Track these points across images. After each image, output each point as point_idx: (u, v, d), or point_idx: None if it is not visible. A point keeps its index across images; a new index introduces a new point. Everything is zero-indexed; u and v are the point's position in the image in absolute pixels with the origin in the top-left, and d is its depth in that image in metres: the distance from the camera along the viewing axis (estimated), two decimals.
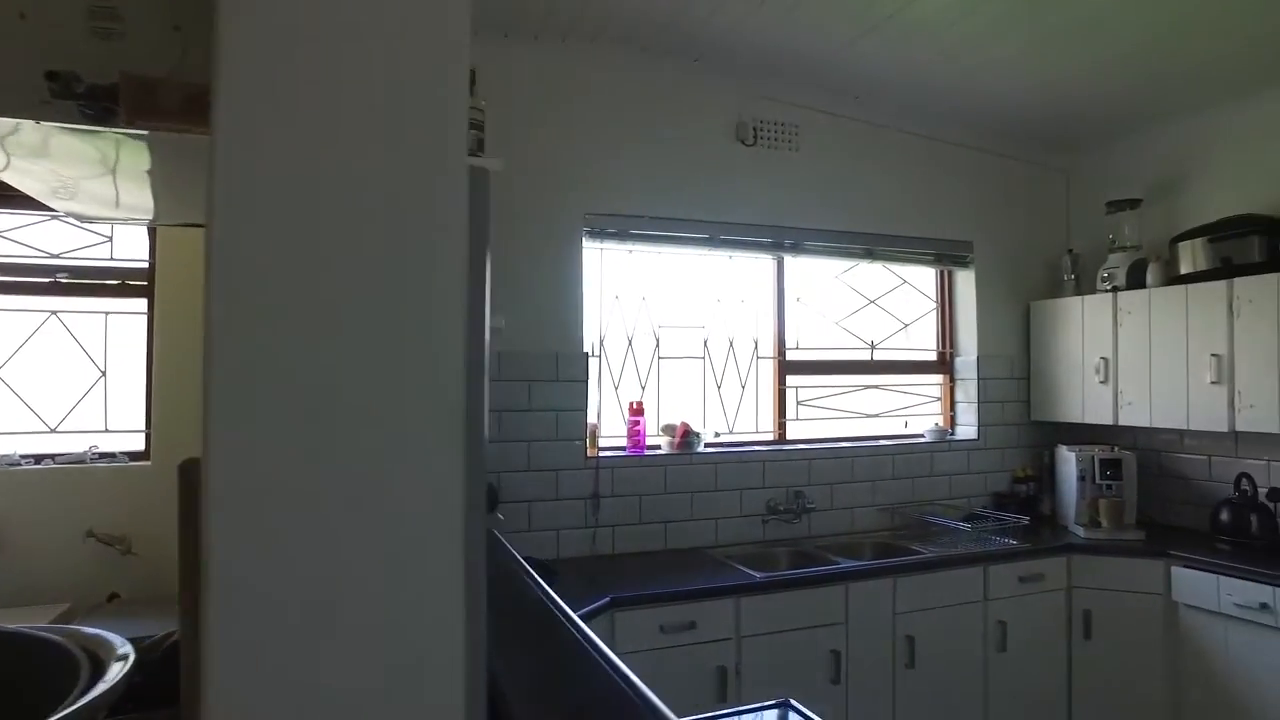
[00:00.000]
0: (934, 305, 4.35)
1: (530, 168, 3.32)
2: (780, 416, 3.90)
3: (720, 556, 3.36)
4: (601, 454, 3.46)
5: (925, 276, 4.33)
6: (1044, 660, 3.50)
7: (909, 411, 4.22)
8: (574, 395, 3.37)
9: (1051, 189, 4.48)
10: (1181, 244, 3.60)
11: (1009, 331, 4.30)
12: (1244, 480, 3.43)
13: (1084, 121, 4.08)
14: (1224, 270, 3.41)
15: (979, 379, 4.18)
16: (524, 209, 3.30)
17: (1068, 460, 3.86)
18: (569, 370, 3.37)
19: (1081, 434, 4.17)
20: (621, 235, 3.54)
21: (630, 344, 3.66)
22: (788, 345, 3.93)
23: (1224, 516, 3.44)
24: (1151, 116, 3.96)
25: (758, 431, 3.87)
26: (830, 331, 4.06)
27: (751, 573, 3.08)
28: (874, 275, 4.16)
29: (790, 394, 3.93)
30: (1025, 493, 4.15)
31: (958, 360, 4.29)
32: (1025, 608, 3.44)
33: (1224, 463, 3.71)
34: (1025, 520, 3.62)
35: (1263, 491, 3.41)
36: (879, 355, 4.16)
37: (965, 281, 4.26)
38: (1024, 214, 4.37)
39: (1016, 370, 4.30)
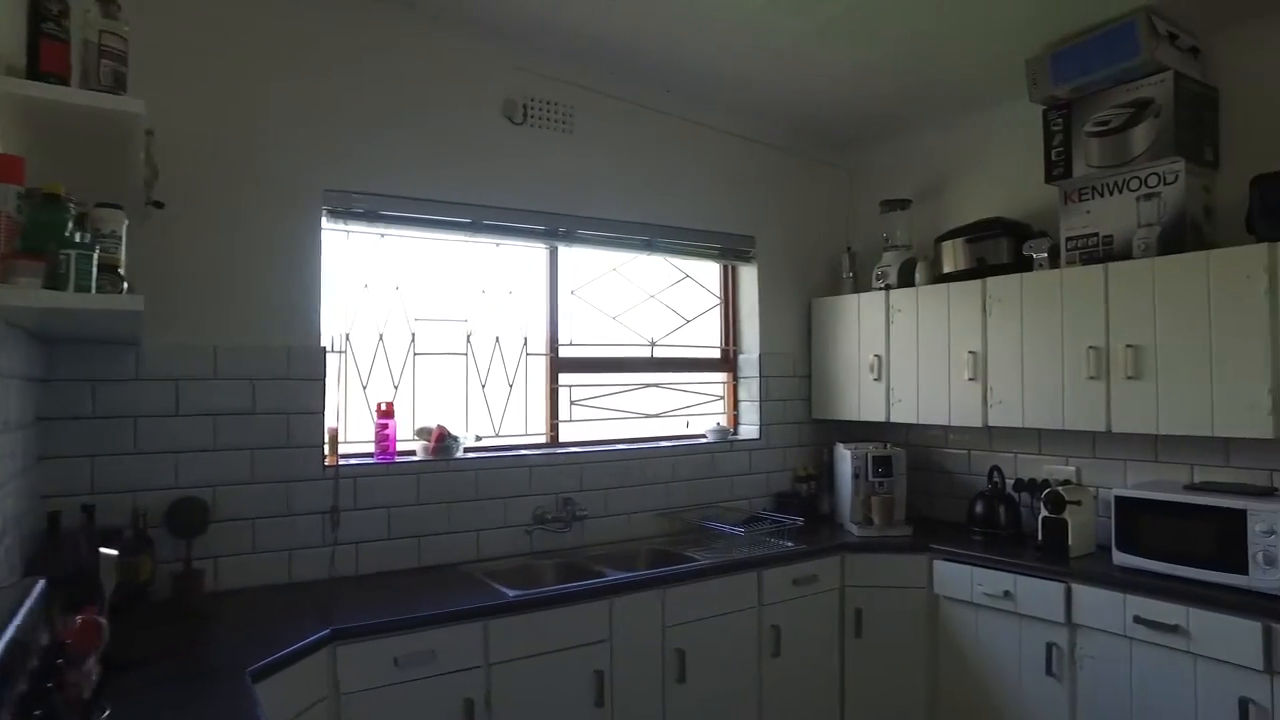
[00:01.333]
0: (718, 301, 4.25)
1: (263, 133, 2.85)
2: (552, 418, 3.64)
3: (479, 573, 3.04)
4: (344, 462, 3.04)
5: (709, 271, 4.22)
6: (817, 662, 3.44)
7: (691, 411, 4.09)
8: (309, 396, 2.94)
9: (834, 186, 4.51)
10: (944, 244, 3.67)
11: (791, 329, 4.27)
12: (995, 473, 3.54)
13: (863, 120, 4.12)
14: (979, 270, 3.50)
15: (761, 377, 4.11)
16: (251, 181, 2.83)
17: (844, 458, 3.86)
18: (303, 367, 2.93)
19: (860, 432, 4.20)
20: (370, 217, 3.14)
21: (382, 339, 3.27)
22: (561, 341, 3.67)
23: (978, 509, 3.52)
24: (920, 119, 4.05)
25: (527, 434, 3.58)
26: (607, 327, 3.84)
27: (505, 590, 2.78)
28: (655, 269, 4.00)
29: (563, 393, 3.67)
30: (806, 492, 4.12)
31: (741, 358, 4.22)
32: (799, 611, 3.37)
33: (981, 456, 3.83)
34: (800, 522, 3.56)
35: (1010, 483, 3.53)
36: (659, 352, 3.99)
37: (748, 277, 4.19)
38: (807, 210, 4.36)
39: (798, 368, 4.27)
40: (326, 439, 3.00)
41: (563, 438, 3.67)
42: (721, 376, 4.23)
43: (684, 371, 4.08)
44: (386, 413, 3.17)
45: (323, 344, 2.99)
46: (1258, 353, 2.66)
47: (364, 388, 3.23)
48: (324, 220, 3.03)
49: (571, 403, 3.70)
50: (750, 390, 4.15)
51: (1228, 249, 2.75)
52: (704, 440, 3.97)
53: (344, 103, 3.03)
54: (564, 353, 3.68)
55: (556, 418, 3.65)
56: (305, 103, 2.95)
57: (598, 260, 3.80)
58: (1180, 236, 2.92)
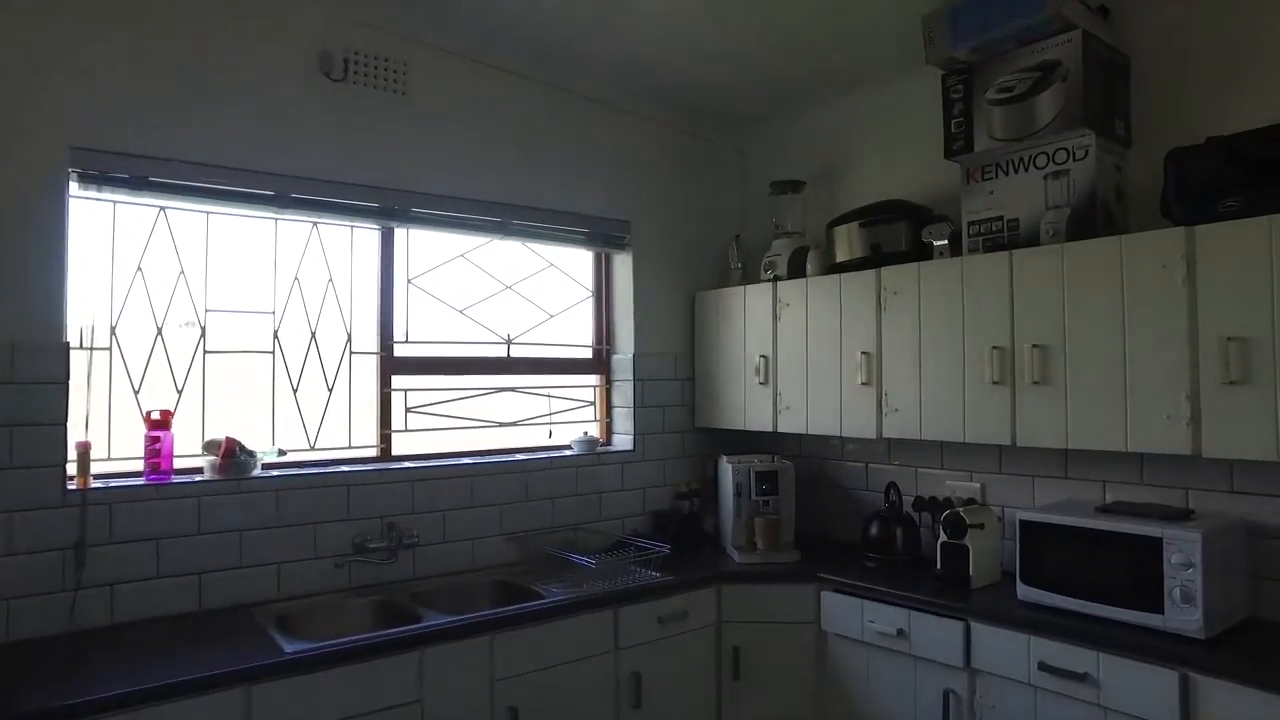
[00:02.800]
0: (589, 294, 3.75)
1: None
2: (383, 427, 3.09)
3: (267, 618, 2.48)
4: (100, 484, 2.45)
5: (581, 261, 3.72)
6: (688, 710, 2.97)
7: (556, 419, 3.58)
8: (43, 403, 2.33)
9: (724, 169, 4.06)
10: (836, 229, 3.25)
11: (674, 326, 3.80)
12: (892, 491, 3.12)
13: (756, 95, 3.68)
14: (874, 258, 3.08)
15: (636, 380, 3.63)
16: None
17: (726, 473, 3.40)
18: (34, 368, 2.32)
19: (752, 442, 3.76)
20: (137, 184, 2.54)
21: (160, 334, 2.68)
22: (395, 338, 3.13)
23: (873, 531, 3.10)
24: (818, 93, 3.63)
25: (353, 448, 3.03)
26: (455, 322, 3.31)
27: (283, 644, 2.23)
28: (514, 256, 3.48)
29: (397, 399, 3.13)
30: (689, 510, 3.66)
31: (614, 359, 3.73)
32: (666, 653, 2.89)
33: (879, 471, 3.42)
34: (667, 550, 3.09)
35: (909, 501, 3.12)
36: (518, 352, 3.47)
37: (623, 267, 3.71)
38: (694, 194, 3.90)
39: (681, 370, 3.81)
40: (74, 456, 2.41)
41: (397, 450, 3.12)
42: (594, 379, 3.74)
43: (548, 373, 3.57)
44: (160, 423, 2.59)
45: (67, 339, 2.39)
46: (1175, 354, 2.28)
47: (135, 392, 2.64)
48: (73, 186, 2.43)
49: (408, 410, 3.16)
50: (624, 395, 3.66)
51: (1143, 234, 2.37)
52: (568, 453, 3.47)
53: (100, 43, 2.44)
54: (399, 351, 3.14)
55: (388, 427, 3.10)
56: (43, 38, 2.35)
57: (443, 245, 3.27)
58: (1091, 221, 2.53)
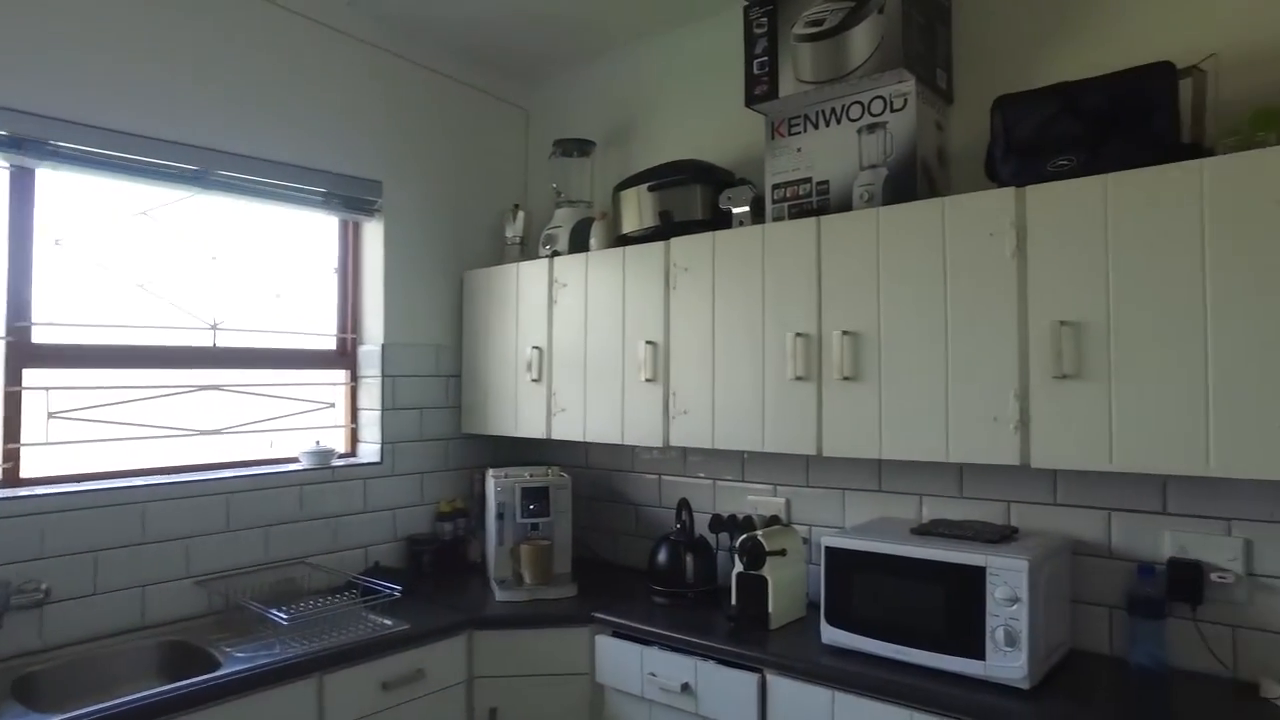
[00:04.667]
0: (334, 270, 3.00)
1: None
2: (9, 440, 2.21)
3: None
4: None
5: (324, 228, 2.96)
6: None
7: (288, 426, 2.80)
8: None
9: (506, 128, 3.42)
10: (623, 193, 2.70)
11: (436, 311, 3.12)
12: (683, 510, 2.60)
13: (540, 42, 3.06)
14: (663, 228, 2.55)
15: (384, 376, 2.92)
16: None
17: (490, 490, 2.76)
18: None
19: (530, 452, 3.15)
20: None
21: None
22: (34, 319, 2.25)
23: (660, 559, 2.56)
24: (610, 39, 3.06)
25: None
26: (132, 300, 2.47)
27: None
28: (225, 217, 2.67)
29: (34, 400, 2.25)
30: (452, 534, 2.99)
31: (361, 351, 2.99)
32: None
33: (673, 485, 2.90)
34: (396, 592, 2.41)
35: (709, 520, 2.60)
36: (227, 340, 2.67)
37: (373, 238, 2.98)
38: (468, 156, 3.24)
39: (445, 364, 3.13)
40: None
41: (31, 471, 2.25)
42: (338, 376, 2.99)
43: (272, 367, 2.78)
44: None
45: None
46: (1004, 342, 1.88)
47: None
48: None
49: (50, 415, 2.29)
50: (372, 395, 2.94)
51: (968, 195, 1.96)
52: (293, 468, 2.70)
53: None
54: (39, 336, 2.26)
55: (19, 440, 2.22)
56: None
57: (112, 195, 2.42)
58: (911, 184, 2.11)
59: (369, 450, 2.93)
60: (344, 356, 2.99)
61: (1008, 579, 1.79)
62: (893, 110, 2.15)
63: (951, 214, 1.95)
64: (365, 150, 2.88)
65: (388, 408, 2.91)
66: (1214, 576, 1.90)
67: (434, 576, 2.81)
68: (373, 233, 2.98)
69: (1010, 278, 1.86)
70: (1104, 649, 2.04)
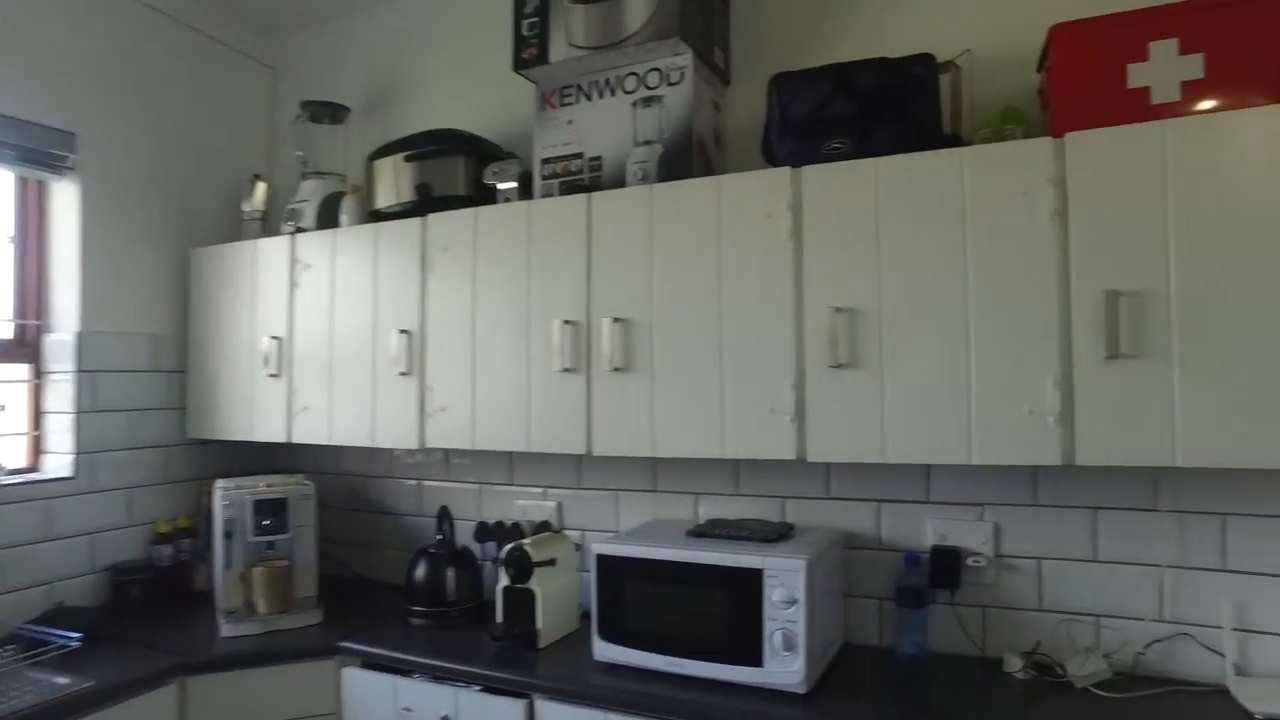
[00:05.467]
0: (11, 240, 2.43)
1: None
2: None
3: None
4: None
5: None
6: None
7: None
8: None
9: (248, 86, 2.96)
10: (379, 163, 2.38)
11: (157, 295, 2.62)
12: (444, 518, 2.33)
13: None
14: (422, 203, 2.27)
15: (79, 371, 2.39)
16: None
17: (217, 504, 2.33)
18: None
19: (273, 458, 2.74)
20: None
21: None
22: None
23: (418, 575, 2.27)
24: None
25: None
26: None
27: None
28: None
29: None
30: (173, 559, 2.52)
31: (49, 340, 2.44)
32: None
33: (435, 491, 2.62)
34: (73, 642, 1.95)
35: (470, 530, 2.35)
36: None
37: (66, 203, 2.44)
38: (201, 117, 2.75)
39: (165, 358, 2.63)
40: None
41: None
42: (20, 371, 2.41)
43: None
44: None
45: None
46: (781, 329, 1.79)
47: None
48: None
49: None
50: (62, 395, 2.40)
51: (744, 174, 1.86)
52: None
53: None
54: None
55: None
56: None
57: None
58: (686, 162, 1.99)
59: (58, 463, 2.38)
60: (24, 348, 2.43)
61: (785, 580, 1.70)
62: (669, 84, 2.02)
63: (728, 193, 1.84)
64: (59, 95, 2.34)
65: (84, 410, 2.39)
66: (970, 561, 1.94)
67: (144, 613, 2.34)
68: (65, 196, 2.43)
69: (787, 262, 1.78)
70: (874, 640, 2.02)
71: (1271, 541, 1.73)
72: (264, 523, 2.25)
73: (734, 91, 2.21)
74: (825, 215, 1.75)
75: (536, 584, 2.01)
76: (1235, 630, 1.74)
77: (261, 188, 2.70)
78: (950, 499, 1.98)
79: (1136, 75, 1.56)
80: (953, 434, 1.65)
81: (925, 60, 1.74)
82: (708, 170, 2.05)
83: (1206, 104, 1.52)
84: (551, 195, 2.12)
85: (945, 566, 1.94)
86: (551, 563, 2.04)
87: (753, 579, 1.73)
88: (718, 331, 1.84)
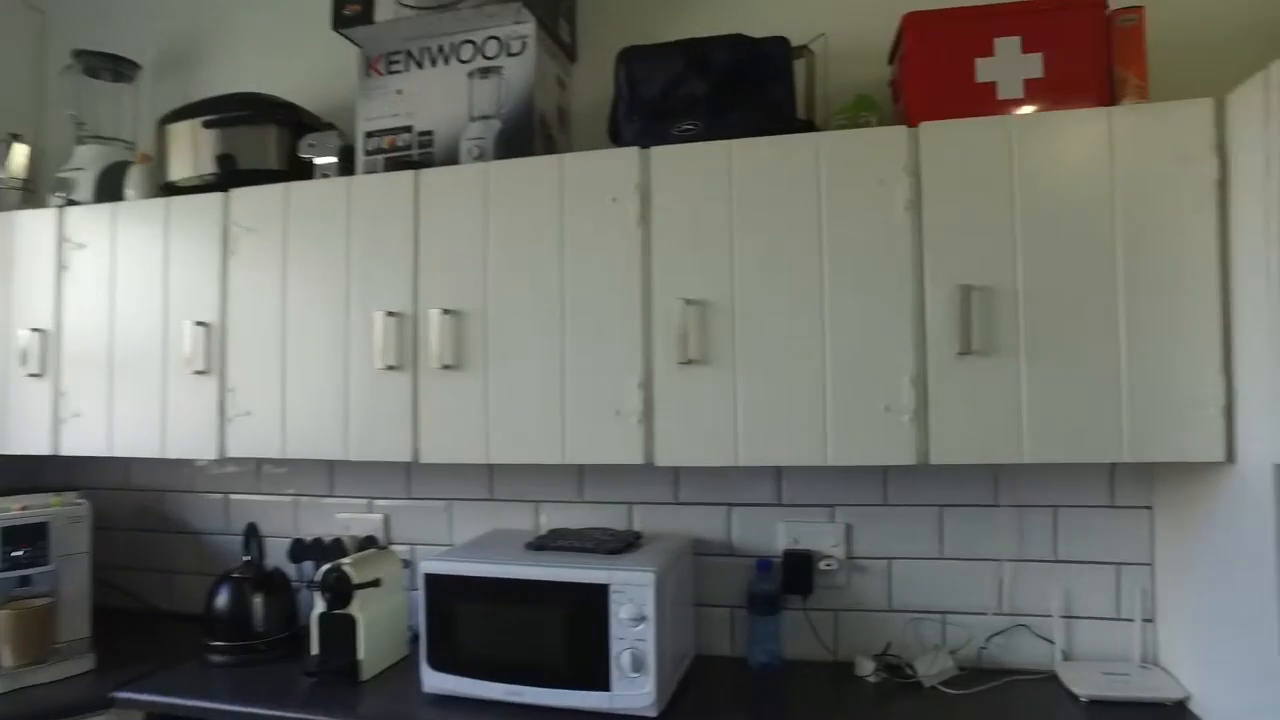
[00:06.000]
0: None
1: None
2: None
3: None
4: None
5: None
6: None
7: None
8: None
9: (13, 33, 2.51)
10: (173, 127, 2.05)
11: None
12: (252, 536, 2.03)
13: None
14: (224, 177, 1.97)
15: None
16: None
17: None
18: None
19: (55, 472, 2.33)
20: None
21: None
22: None
23: (220, 603, 1.97)
24: None
25: None
26: None
27: None
28: None
29: None
30: None
31: None
32: None
33: (245, 505, 2.31)
34: None
35: (284, 548, 2.08)
36: None
37: None
38: None
39: None
40: None
41: None
42: None
43: None
44: None
45: None
46: (626, 323, 1.66)
47: None
48: None
49: None
50: None
51: (590, 153, 1.71)
52: None
53: None
54: None
55: None
56: None
57: None
58: (528, 140, 1.82)
59: None
60: None
61: (633, 595, 1.57)
62: (509, 54, 1.84)
63: (572, 174, 1.69)
64: None
65: None
66: (822, 564, 1.89)
67: None
68: None
69: (635, 249, 1.64)
70: (726, 650, 1.94)
71: (1093, 531, 1.78)
72: (14, 554, 1.87)
73: (580, 69, 2.06)
74: (675, 200, 1.63)
75: (358, 608, 1.77)
76: (1063, 618, 1.78)
77: (21, 150, 2.28)
78: (802, 501, 1.92)
79: (984, 70, 1.55)
80: (809, 434, 1.57)
81: (781, 42, 1.66)
82: (550, 151, 1.88)
83: (1045, 103, 1.52)
84: (376, 172, 1.89)
85: (798, 571, 1.89)
86: (376, 583, 1.82)
87: (598, 595, 1.59)
88: (559, 326, 1.68)
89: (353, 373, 1.80)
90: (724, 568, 1.95)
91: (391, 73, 1.92)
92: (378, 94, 1.93)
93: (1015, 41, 1.53)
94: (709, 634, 1.94)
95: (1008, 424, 1.49)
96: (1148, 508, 1.77)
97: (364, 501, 2.17)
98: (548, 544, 1.78)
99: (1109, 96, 1.52)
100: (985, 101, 1.53)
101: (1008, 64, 1.54)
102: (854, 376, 1.55)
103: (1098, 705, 1.60)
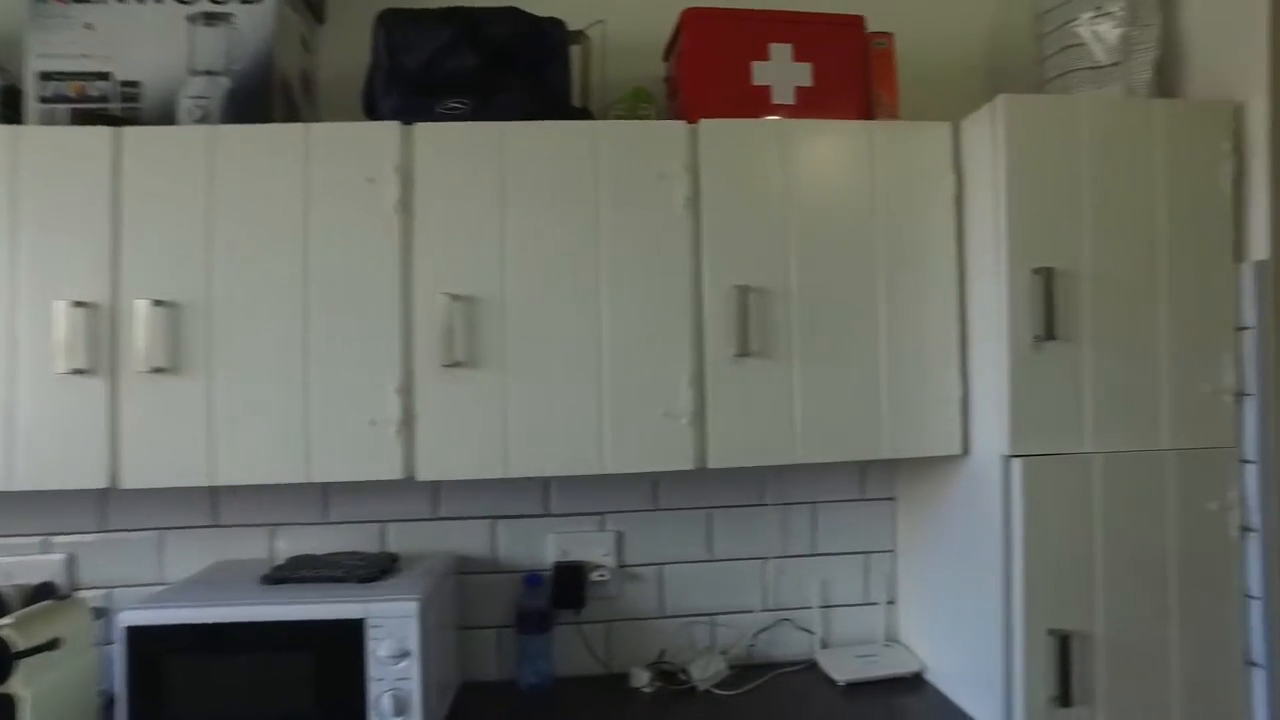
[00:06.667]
0: None
1: None
2: None
3: None
4: None
5: None
6: None
7: None
8: None
9: None
10: None
11: None
12: None
13: None
14: None
15: None
16: None
17: None
18: None
19: None
20: None
21: None
22: None
23: None
24: None
25: None
26: None
27: None
28: None
29: None
30: None
31: None
32: None
33: None
34: None
35: None
36: None
37: None
38: None
39: None
40: None
41: None
42: None
43: None
44: None
45: None
46: (383, 319, 1.47)
47: None
48: None
49: None
50: None
51: (342, 124, 1.49)
52: None
53: None
54: None
55: None
56: None
57: None
58: (264, 103, 1.55)
59: None
60: None
61: (393, 629, 1.38)
62: (243, 1, 1.56)
63: (321, 147, 1.46)
64: None
65: None
66: (594, 575, 1.82)
67: None
68: None
69: (393, 237, 1.46)
70: (493, 674, 1.79)
71: (846, 523, 1.89)
72: None
73: (329, 34, 1.82)
74: (441, 185, 1.47)
75: (22, 683, 1.39)
76: (821, 608, 1.87)
77: None
78: (572, 510, 1.84)
79: (760, 73, 1.56)
80: (585, 441, 1.49)
81: (558, 24, 1.57)
82: (293, 120, 1.62)
83: (814, 112, 1.56)
84: (58, 123, 1.51)
85: (569, 584, 1.80)
86: (53, 645, 1.44)
87: (351, 632, 1.38)
88: (301, 320, 1.45)
89: (22, 378, 1.41)
90: (490, 585, 1.81)
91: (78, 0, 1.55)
92: (58, 25, 1.54)
93: (788, 49, 1.56)
94: (475, 658, 1.79)
95: (782, 425, 1.51)
96: (892, 499, 1.90)
97: (37, 540, 1.73)
98: (287, 575, 1.52)
99: (868, 112, 1.60)
100: (761, 104, 1.54)
101: (781, 70, 1.57)
102: (632, 380, 1.49)
103: (853, 686, 1.69)
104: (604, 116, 1.66)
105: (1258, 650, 1.46)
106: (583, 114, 1.61)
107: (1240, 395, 1.49)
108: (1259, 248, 1.48)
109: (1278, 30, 1.47)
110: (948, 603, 1.65)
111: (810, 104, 1.56)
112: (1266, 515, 1.45)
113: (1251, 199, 1.50)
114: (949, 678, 1.66)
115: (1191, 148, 1.49)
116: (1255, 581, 1.47)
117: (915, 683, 1.72)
